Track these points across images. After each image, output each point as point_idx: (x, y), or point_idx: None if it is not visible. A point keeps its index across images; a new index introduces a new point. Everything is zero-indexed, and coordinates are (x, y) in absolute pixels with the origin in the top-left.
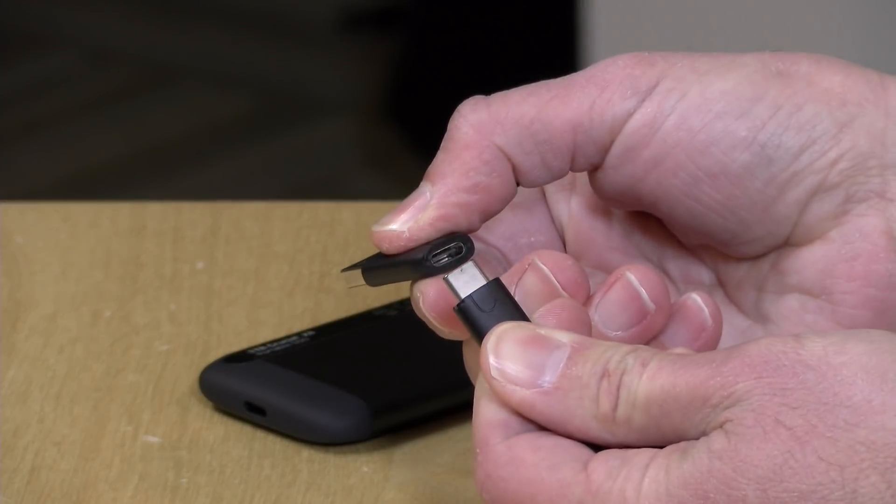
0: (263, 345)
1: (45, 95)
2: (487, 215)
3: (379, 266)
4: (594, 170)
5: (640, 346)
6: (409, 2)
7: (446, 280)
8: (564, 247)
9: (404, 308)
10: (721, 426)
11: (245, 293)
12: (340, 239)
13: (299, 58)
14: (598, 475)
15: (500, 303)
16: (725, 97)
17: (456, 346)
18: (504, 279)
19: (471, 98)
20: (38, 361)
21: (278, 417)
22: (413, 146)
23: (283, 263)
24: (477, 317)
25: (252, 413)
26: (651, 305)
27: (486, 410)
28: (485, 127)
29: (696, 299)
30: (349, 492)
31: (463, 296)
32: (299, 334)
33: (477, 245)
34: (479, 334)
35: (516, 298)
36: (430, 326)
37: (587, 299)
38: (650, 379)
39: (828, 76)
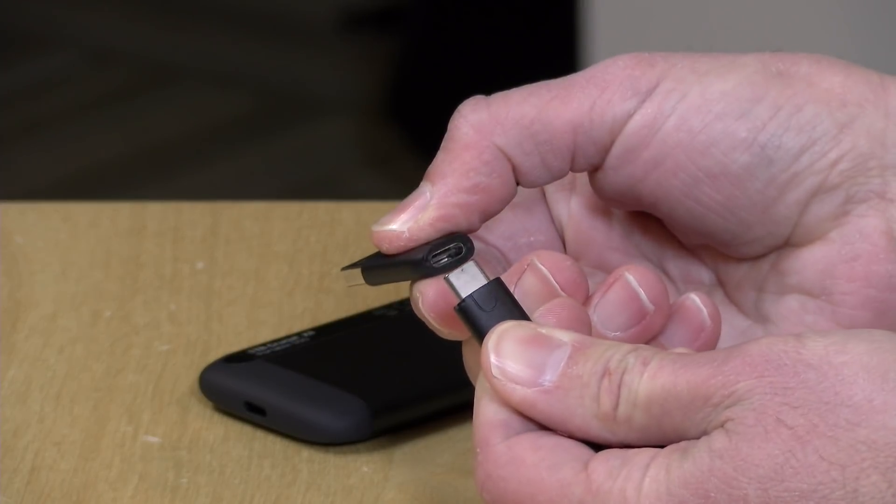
0: (263, 345)
1: (45, 95)
2: (487, 215)
3: (379, 266)
4: (594, 170)
5: (641, 345)
6: (409, 2)
7: (447, 280)
8: (564, 247)
9: (404, 308)
10: (722, 425)
11: (245, 293)
12: (340, 239)
13: (299, 58)
14: (598, 475)
15: (500, 302)
16: (725, 98)
17: (456, 346)
18: (503, 279)
19: (471, 98)
20: (38, 361)
21: (278, 417)
22: (413, 146)
23: (283, 263)
24: (478, 316)
25: (252, 413)
26: (650, 306)
27: (486, 410)
28: (485, 127)
29: (695, 300)
30: (349, 492)
31: (464, 295)
32: (299, 334)
33: (476, 245)
34: (480, 334)
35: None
36: (430, 326)
37: (586, 300)
38: (651, 378)
39: (828, 77)
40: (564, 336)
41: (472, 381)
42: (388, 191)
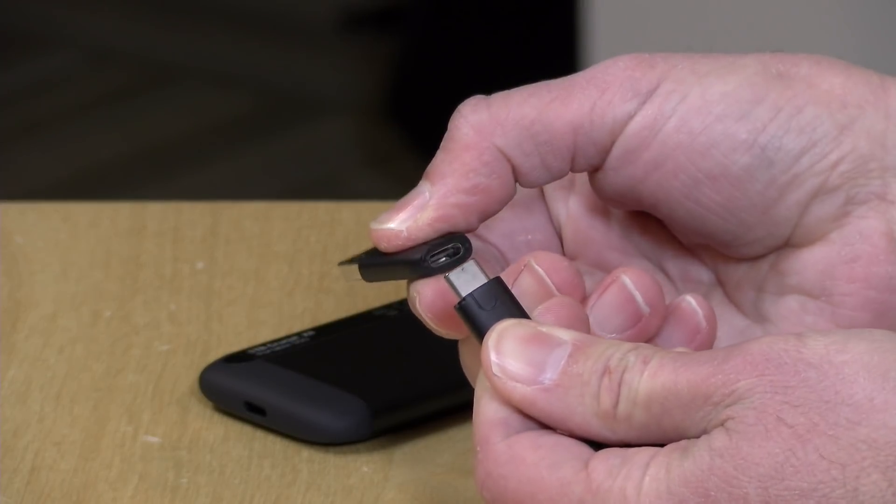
0: (263, 345)
1: (45, 95)
2: (486, 216)
3: (376, 263)
4: (594, 171)
5: (642, 344)
6: (409, 2)
7: (447, 278)
8: (562, 245)
9: (404, 308)
10: (722, 424)
11: (245, 293)
12: (340, 239)
13: (299, 58)
14: (598, 474)
15: (500, 301)
16: (726, 99)
17: (456, 346)
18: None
19: (471, 98)
20: (38, 361)
21: (278, 417)
22: (413, 146)
23: (283, 263)
24: (478, 315)
25: (252, 413)
26: (646, 308)
27: (486, 409)
28: (485, 128)
29: (691, 301)
30: (349, 492)
31: (464, 294)
32: (299, 334)
33: (474, 243)
34: (480, 332)
35: None
36: (427, 326)
37: (583, 301)
38: (651, 376)
39: (828, 78)
40: (565, 335)
41: (470, 381)
42: (388, 191)
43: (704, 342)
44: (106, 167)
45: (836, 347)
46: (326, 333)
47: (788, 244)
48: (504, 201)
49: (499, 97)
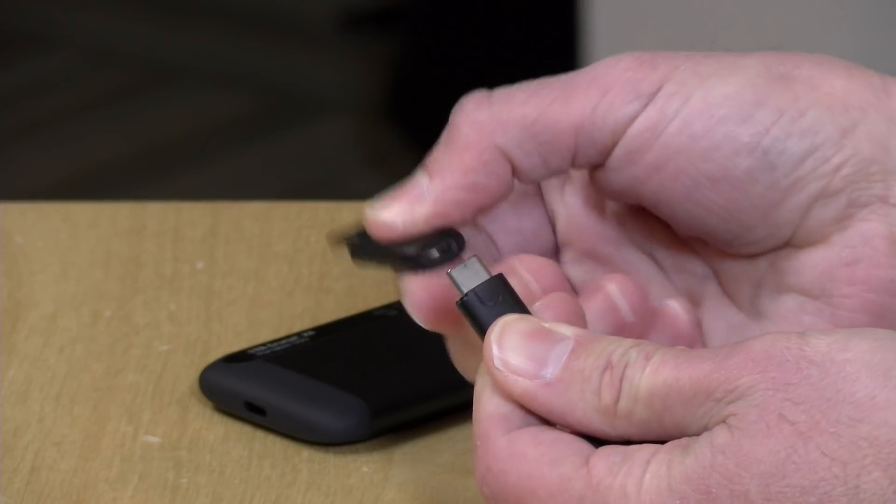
0: (263, 345)
1: (45, 95)
2: (482, 212)
3: (368, 250)
4: (594, 168)
5: (644, 340)
6: (409, 2)
7: (449, 275)
8: (554, 233)
9: (404, 308)
10: (724, 421)
11: (245, 293)
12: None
13: (299, 58)
14: (598, 470)
15: (502, 298)
16: (728, 102)
17: None
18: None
19: (474, 94)
20: (38, 361)
21: (278, 417)
22: (413, 146)
23: (283, 263)
24: (479, 311)
25: (252, 413)
26: (630, 316)
27: (487, 404)
28: (487, 127)
29: (675, 306)
30: (349, 492)
31: (465, 290)
32: (299, 334)
33: (466, 229)
34: (482, 329)
35: None
36: (414, 319)
37: None
38: (653, 372)
39: (830, 80)
40: (567, 331)
41: (462, 374)
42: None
43: (688, 347)
44: (106, 167)
45: (838, 346)
46: (326, 333)
47: (789, 244)
48: (501, 199)
49: (501, 95)
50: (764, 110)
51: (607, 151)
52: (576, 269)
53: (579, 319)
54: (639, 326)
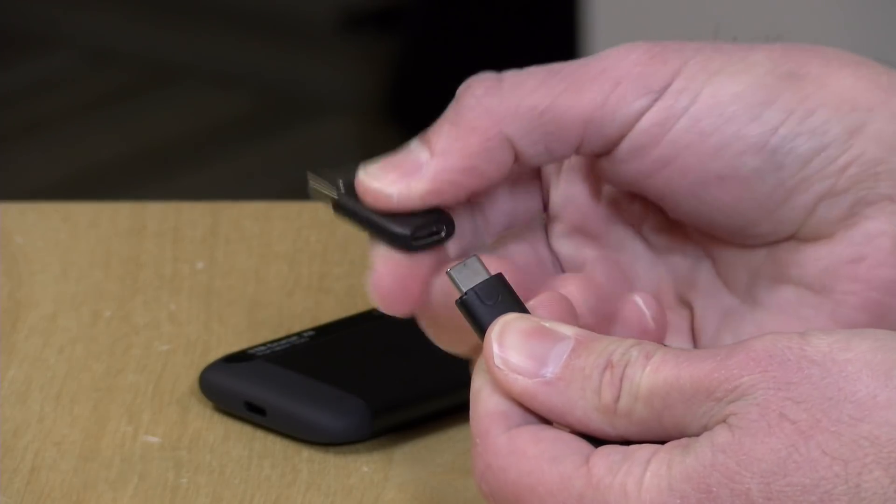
0: (263, 345)
1: (45, 95)
2: (476, 196)
3: (351, 206)
4: (598, 156)
5: (644, 340)
6: (409, 2)
7: (448, 273)
8: (546, 205)
9: None
10: (724, 420)
11: (245, 293)
12: (340, 239)
13: (299, 58)
14: (599, 469)
15: (502, 297)
16: (737, 101)
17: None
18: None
19: (484, 76)
20: (38, 361)
21: (278, 417)
22: None
23: (283, 263)
24: (479, 310)
25: (252, 413)
26: (588, 318)
27: (487, 401)
28: (496, 115)
29: (639, 302)
30: (349, 492)
31: (465, 289)
32: (299, 334)
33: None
34: (481, 328)
35: None
36: (371, 297)
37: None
38: (654, 371)
39: (838, 79)
40: (567, 330)
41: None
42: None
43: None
44: (106, 167)
45: (839, 346)
46: (326, 333)
47: (793, 238)
48: (498, 183)
49: (511, 81)
50: (772, 109)
51: (614, 144)
52: (563, 244)
53: (573, 319)
54: (598, 327)
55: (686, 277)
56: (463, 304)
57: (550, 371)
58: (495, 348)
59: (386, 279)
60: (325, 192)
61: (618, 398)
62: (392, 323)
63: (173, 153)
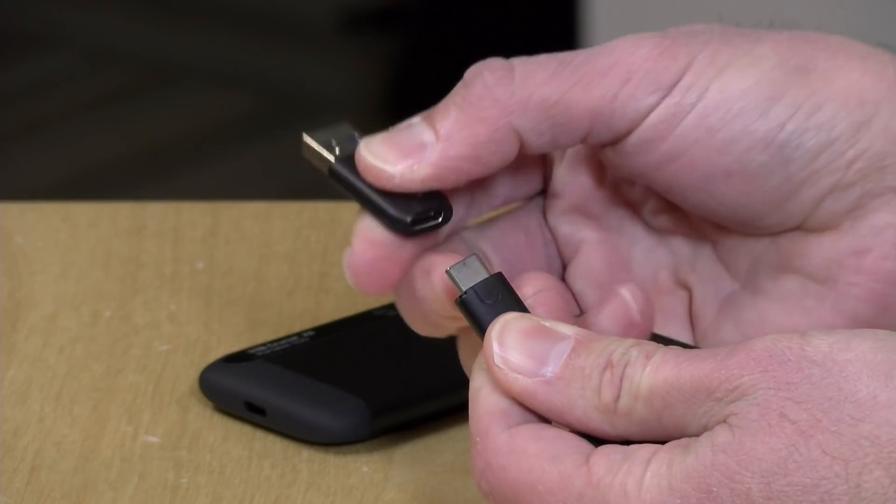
0: (263, 345)
1: (45, 95)
2: (475, 180)
3: (347, 176)
4: (604, 146)
5: (644, 340)
6: (409, 2)
7: (448, 272)
8: (546, 183)
9: None
10: (725, 420)
11: (245, 293)
12: (340, 239)
13: (299, 58)
14: (599, 468)
15: (502, 296)
16: (745, 96)
17: (456, 347)
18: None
19: (494, 63)
20: (38, 361)
21: (278, 417)
22: None
23: (283, 263)
24: (478, 309)
25: (252, 413)
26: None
27: (487, 400)
28: (506, 106)
29: (626, 294)
30: (349, 492)
31: (465, 288)
32: (299, 334)
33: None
34: (481, 326)
35: None
36: (347, 274)
37: None
38: (654, 371)
39: (845, 73)
40: (567, 330)
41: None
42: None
43: (640, 336)
44: (106, 167)
45: (839, 346)
46: (326, 333)
47: (798, 229)
48: (497, 171)
49: (522, 71)
50: (780, 105)
51: (621, 137)
52: (562, 222)
53: (570, 317)
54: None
55: (686, 261)
56: (462, 303)
57: (550, 370)
58: (495, 347)
59: (365, 259)
60: (321, 156)
61: (618, 398)
62: (392, 323)
63: (173, 153)
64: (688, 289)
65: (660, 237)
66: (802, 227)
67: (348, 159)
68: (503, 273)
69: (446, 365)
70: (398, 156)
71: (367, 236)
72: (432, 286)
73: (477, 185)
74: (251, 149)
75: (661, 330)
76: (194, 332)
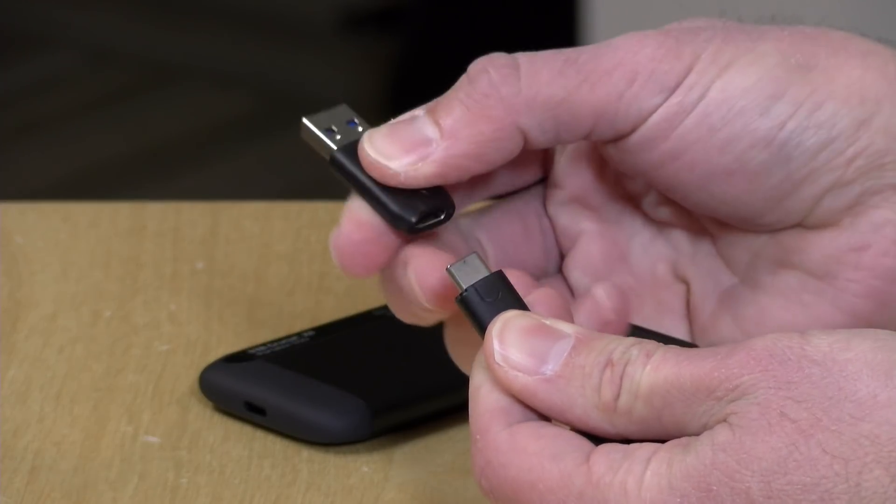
0: (263, 345)
1: (45, 95)
2: (476, 176)
3: (348, 166)
4: (606, 143)
5: (645, 339)
6: (409, 2)
7: (449, 271)
8: (547, 172)
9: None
10: (725, 419)
11: (245, 293)
12: None
13: (299, 58)
14: (599, 467)
15: (502, 294)
16: (746, 95)
17: None
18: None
19: (499, 59)
20: (38, 361)
21: (278, 417)
22: None
23: (283, 263)
24: (479, 307)
25: (252, 413)
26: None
27: (487, 398)
28: (511, 106)
29: (601, 294)
30: (349, 492)
31: (465, 286)
32: (299, 334)
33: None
34: (482, 324)
35: None
36: (333, 253)
37: None
38: (654, 369)
39: (846, 71)
40: (568, 328)
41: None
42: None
43: (615, 333)
44: (106, 167)
45: (839, 346)
46: (326, 333)
47: (798, 225)
48: (499, 166)
49: (527, 68)
50: (781, 103)
51: (624, 136)
52: (561, 211)
53: (568, 316)
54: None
55: (685, 254)
56: (463, 300)
57: (551, 368)
58: (496, 345)
59: (351, 240)
60: (322, 142)
61: (617, 396)
62: (392, 323)
63: (173, 153)
64: (686, 282)
65: (659, 230)
66: (802, 224)
67: (350, 148)
68: (503, 271)
69: (446, 365)
70: (401, 151)
71: (356, 217)
72: (408, 277)
73: (477, 177)
74: (251, 149)
75: (656, 324)
76: (194, 332)
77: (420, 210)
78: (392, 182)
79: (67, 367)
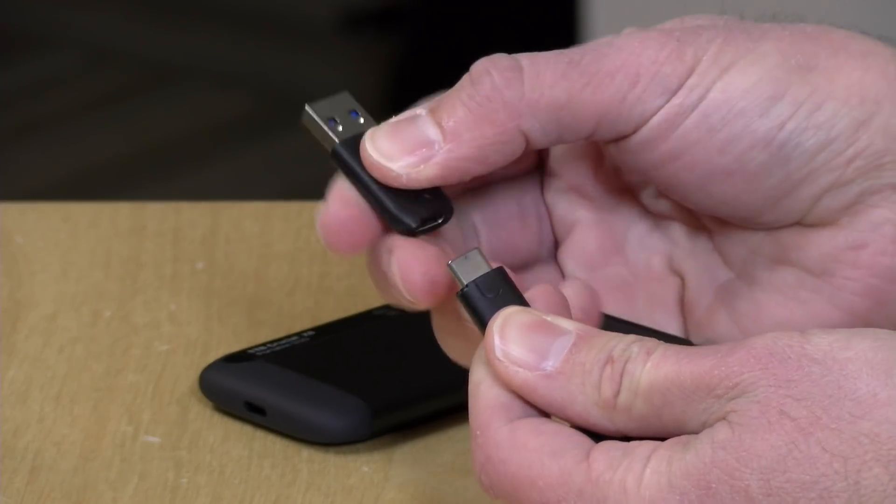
0: (263, 345)
1: (45, 95)
2: (478, 176)
3: (351, 165)
4: (607, 143)
5: (645, 337)
6: (409, 2)
7: (450, 266)
8: (541, 160)
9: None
10: (724, 417)
11: (245, 293)
12: None
13: (299, 58)
14: (599, 464)
15: (503, 290)
16: (747, 96)
17: None
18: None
19: (502, 61)
20: (38, 361)
21: (278, 417)
22: None
23: (283, 263)
24: (480, 303)
25: (252, 413)
26: None
27: (488, 394)
28: (515, 110)
29: (567, 293)
30: (349, 492)
31: (466, 282)
32: (299, 334)
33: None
34: (482, 320)
35: None
36: (321, 235)
37: None
38: (654, 367)
39: (846, 71)
40: (569, 325)
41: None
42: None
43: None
44: (106, 167)
45: (839, 345)
46: (326, 333)
47: (797, 224)
48: (499, 168)
49: (531, 71)
50: (781, 104)
51: (625, 137)
52: (558, 200)
53: (566, 312)
54: None
55: (682, 248)
56: (464, 296)
57: (551, 365)
58: (497, 341)
59: (338, 218)
60: (324, 133)
61: (617, 393)
62: (392, 323)
63: (173, 153)
64: (681, 276)
65: (656, 223)
66: (801, 222)
67: (351, 143)
68: (503, 267)
69: (446, 365)
70: (403, 152)
71: (342, 196)
72: (392, 269)
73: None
74: (251, 149)
75: (648, 317)
76: (194, 332)
77: (421, 215)
78: (393, 183)
79: (67, 367)
